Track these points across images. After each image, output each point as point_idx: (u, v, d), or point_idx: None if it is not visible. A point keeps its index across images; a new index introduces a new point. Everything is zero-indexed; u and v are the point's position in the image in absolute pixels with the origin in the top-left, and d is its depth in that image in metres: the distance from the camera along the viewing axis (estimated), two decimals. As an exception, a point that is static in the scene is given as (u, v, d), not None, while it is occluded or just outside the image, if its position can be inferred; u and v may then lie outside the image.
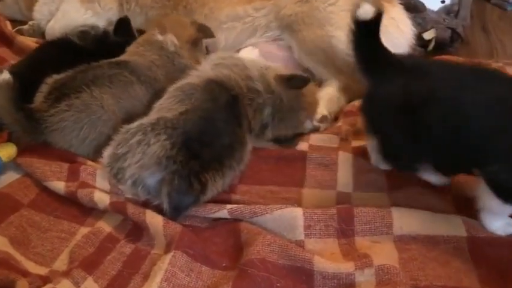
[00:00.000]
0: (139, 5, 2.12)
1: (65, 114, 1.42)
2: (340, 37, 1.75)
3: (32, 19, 2.34)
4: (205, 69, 1.49)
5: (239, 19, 1.97)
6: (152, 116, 1.33)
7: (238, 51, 1.93)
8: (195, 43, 1.75)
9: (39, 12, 2.29)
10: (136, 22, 2.02)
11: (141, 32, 1.85)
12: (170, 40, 1.67)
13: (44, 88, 1.47)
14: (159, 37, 1.67)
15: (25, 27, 2.33)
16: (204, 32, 1.80)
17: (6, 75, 1.37)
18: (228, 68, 1.46)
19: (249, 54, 1.82)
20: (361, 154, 1.43)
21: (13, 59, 1.98)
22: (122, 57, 1.63)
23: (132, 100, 1.51)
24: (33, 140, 1.45)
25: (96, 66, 1.53)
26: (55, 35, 2.06)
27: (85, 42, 1.72)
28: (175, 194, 1.20)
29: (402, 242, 1.15)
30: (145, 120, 1.31)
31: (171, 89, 1.42)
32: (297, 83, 1.49)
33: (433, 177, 1.27)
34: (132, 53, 1.66)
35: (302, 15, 1.81)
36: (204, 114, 1.30)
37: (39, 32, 2.30)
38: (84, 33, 1.75)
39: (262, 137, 1.48)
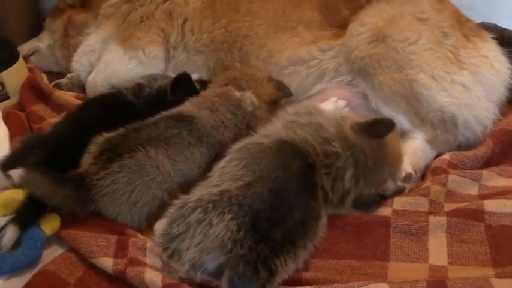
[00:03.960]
0: (187, 50, 2.24)
1: (117, 176, 1.48)
2: (424, 81, 1.79)
3: (70, 71, 2.50)
4: (276, 127, 1.53)
5: (303, 63, 2.04)
6: (213, 188, 1.35)
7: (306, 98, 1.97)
8: (274, 103, 1.80)
9: (78, 63, 2.44)
10: (185, 70, 2.13)
11: (203, 82, 1.94)
12: (249, 99, 1.73)
13: (93, 148, 1.55)
14: (237, 94, 1.73)
15: (63, 80, 2.47)
16: (283, 90, 1.86)
17: (16, 172, 1.44)
18: (302, 128, 1.47)
19: (332, 106, 1.83)
20: (456, 219, 1.44)
21: (51, 117, 2.10)
22: (189, 110, 1.68)
23: (188, 163, 1.58)
24: (84, 211, 1.50)
25: (151, 124, 1.60)
26: (96, 88, 2.22)
27: (138, 100, 1.81)
28: (238, 280, 1.22)
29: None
30: (205, 193, 1.33)
31: (235, 149, 1.46)
32: (380, 128, 1.48)
33: None
34: (204, 102, 1.71)
35: (377, 57, 1.85)
36: (273, 186, 1.32)
37: (79, 85, 2.45)
38: (140, 88, 1.84)
39: (341, 207, 1.49)
